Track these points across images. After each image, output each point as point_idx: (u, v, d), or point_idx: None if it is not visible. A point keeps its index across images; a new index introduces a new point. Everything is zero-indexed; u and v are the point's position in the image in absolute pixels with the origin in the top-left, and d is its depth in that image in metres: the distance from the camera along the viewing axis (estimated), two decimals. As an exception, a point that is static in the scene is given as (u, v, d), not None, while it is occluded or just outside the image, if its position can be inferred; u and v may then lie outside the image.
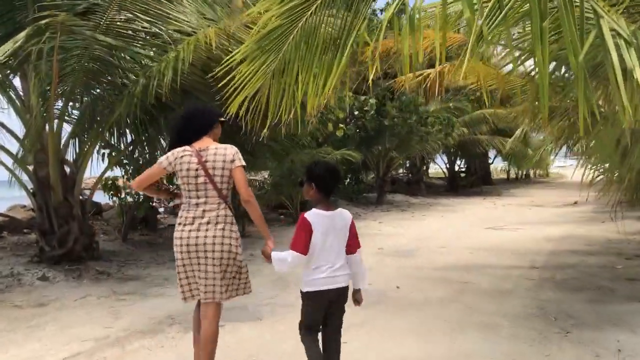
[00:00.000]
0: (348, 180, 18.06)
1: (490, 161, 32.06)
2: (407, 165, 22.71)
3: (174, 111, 8.28)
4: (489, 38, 2.97)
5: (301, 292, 3.29)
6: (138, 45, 7.28)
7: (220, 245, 3.45)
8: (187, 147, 3.52)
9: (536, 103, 6.93)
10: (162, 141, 9.14)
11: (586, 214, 15.45)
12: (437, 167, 27.95)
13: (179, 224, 3.51)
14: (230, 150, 3.53)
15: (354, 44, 3.77)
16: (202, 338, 3.52)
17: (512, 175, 37.66)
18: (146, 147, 9.14)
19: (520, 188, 29.45)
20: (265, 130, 4.80)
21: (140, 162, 9.72)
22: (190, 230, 3.45)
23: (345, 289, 3.30)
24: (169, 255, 9.03)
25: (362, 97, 14.23)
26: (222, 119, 3.76)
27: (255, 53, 4.14)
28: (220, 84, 4.61)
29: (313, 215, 3.24)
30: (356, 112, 14.95)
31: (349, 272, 3.33)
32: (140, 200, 10.18)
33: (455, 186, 24.94)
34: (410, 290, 6.46)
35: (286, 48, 4.01)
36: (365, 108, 14.13)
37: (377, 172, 17.89)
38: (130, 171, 9.88)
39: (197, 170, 3.46)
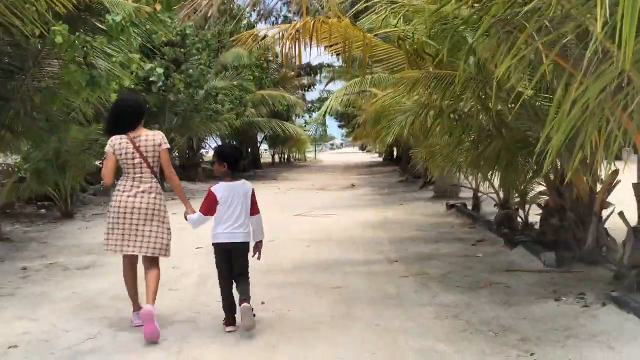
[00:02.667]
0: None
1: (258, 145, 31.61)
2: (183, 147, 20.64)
3: None
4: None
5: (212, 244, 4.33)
6: None
7: (152, 210, 4.30)
8: (123, 136, 4.30)
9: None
10: None
11: (375, 196, 15.61)
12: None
13: (119, 191, 4.30)
14: (158, 136, 4.39)
15: None
16: (152, 279, 4.33)
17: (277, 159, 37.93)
18: None
19: (290, 172, 29.55)
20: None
21: None
22: (128, 197, 4.27)
23: (242, 244, 4.28)
24: None
25: (148, 66, 11.90)
26: None
27: None
28: None
29: (219, 187, 4.24)
30: (134, 86, 12.53)
31: (248, 231, 4.32)
32: None
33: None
34: (281, 306, 4.97)
35: None
36: (152, 79, 11.84)
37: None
38: None
39: (133, 153, 4.27)
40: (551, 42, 3.89)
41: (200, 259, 7.04)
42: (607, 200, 5.98)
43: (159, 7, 7.49)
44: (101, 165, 13.25)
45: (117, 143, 4.30)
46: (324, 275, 6.09)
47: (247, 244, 4.31)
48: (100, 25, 7.57)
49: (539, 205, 7.01)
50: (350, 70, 7.52)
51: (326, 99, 31.01)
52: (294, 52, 5.94)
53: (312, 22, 5.62)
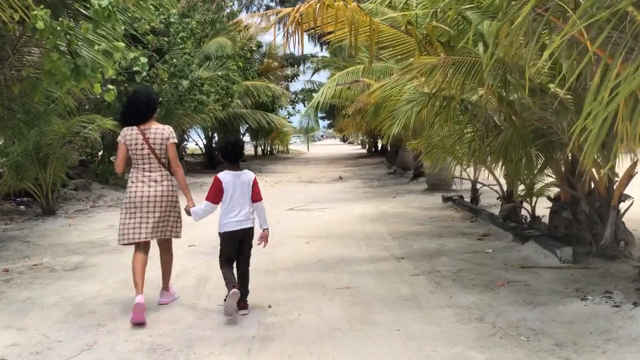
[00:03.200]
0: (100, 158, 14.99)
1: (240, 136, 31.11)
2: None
3: None
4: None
5: (218, 233, 4.55)
6: None
7: (166, 197, 4.61)
8: (134, 127, 4.60)
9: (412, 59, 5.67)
10: None
11: (366, 189, 15.31)
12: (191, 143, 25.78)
13: (132, 182, 4.59)
14: (166, 130, 4.67)
15: None
16: (165, 261, 4.89)
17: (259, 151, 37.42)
18: None
19: (274, 164, 29.16)
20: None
21: None
22: (143, 186, 4.55)
23: (249, 229, 4.55)
24: None
25: (131, 55, 11.37)
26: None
27: None
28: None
29: (223, 174, 4.51)
30: (116, 76, 11.99)
31: (253, 218, 4.58)
32: None
33: (214, 163, 23.19)
34: (289, 309, 4.64)
35: None
36: (135, 68, 11.30)
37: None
38: None
39: (142, 144, 4.57)
40: (586, 28, 3.60)
41: (194, 257, 6.69)
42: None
43: (147, -9, 7.04)
44: (82, 158, 12.74)
45: (128, 134, 4.60)
46: (329, 275, 5.77)
47: (253, 228, 4.59)
48: (84, 11, 7.08)
49: (549, 198, 6.76)
50: (357, 54, 7.13)
51: (310, 89, 30.61)
52: (295, 39, 5.60)
53: (317, 5, 5.27)
